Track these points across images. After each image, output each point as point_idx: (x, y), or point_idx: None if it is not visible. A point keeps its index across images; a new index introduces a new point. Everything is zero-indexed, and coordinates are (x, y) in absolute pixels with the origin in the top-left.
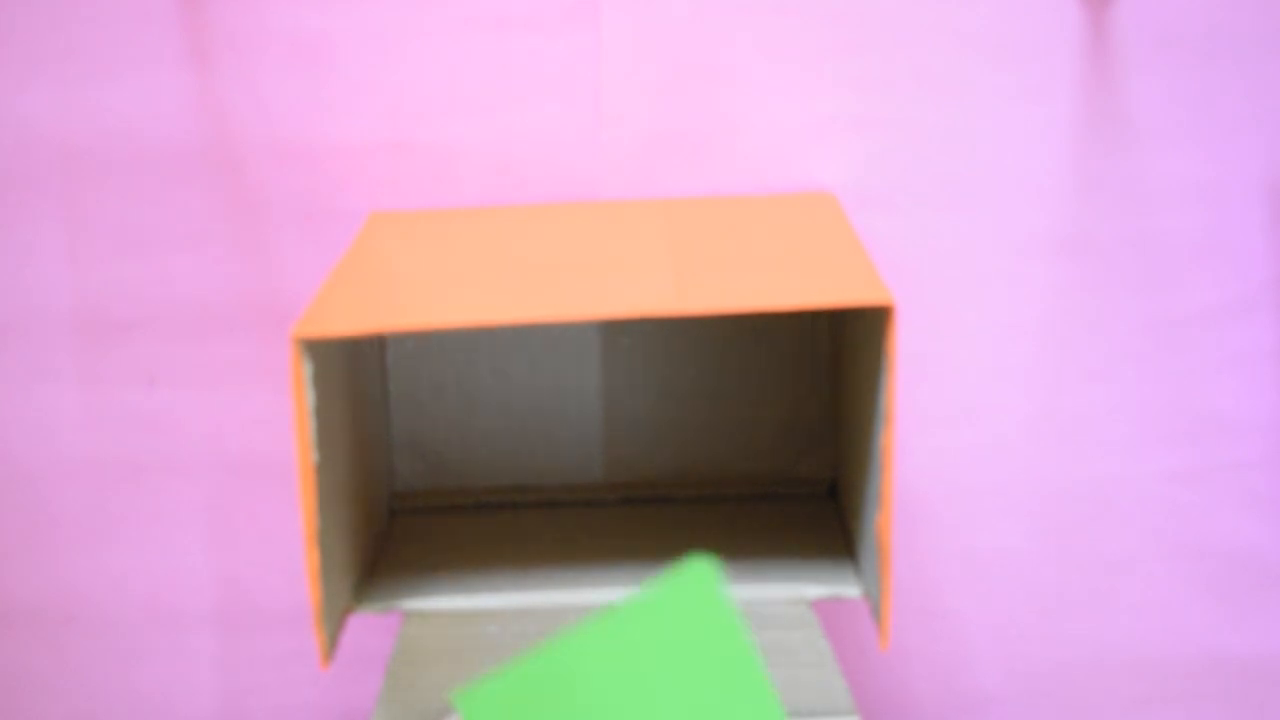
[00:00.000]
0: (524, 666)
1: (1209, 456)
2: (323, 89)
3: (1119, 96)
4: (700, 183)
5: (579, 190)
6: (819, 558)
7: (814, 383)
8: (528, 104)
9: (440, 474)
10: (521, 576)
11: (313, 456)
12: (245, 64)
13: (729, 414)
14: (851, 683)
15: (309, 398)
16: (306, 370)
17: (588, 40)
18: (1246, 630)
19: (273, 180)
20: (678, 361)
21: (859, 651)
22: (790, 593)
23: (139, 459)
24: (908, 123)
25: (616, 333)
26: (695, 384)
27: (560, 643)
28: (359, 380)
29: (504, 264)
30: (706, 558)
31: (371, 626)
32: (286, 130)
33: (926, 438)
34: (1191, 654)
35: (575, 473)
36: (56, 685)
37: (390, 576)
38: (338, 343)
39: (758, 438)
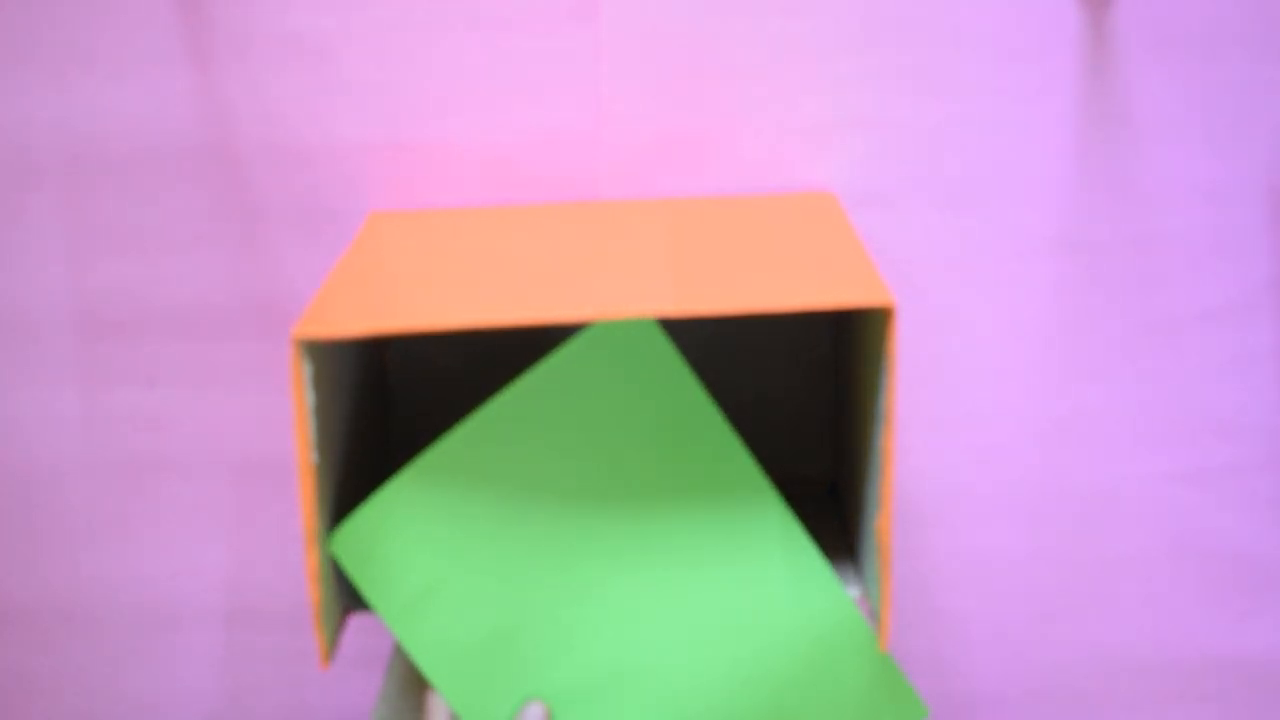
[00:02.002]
0: (415, 473)
1: (1209, 457)
2: (323, 89)
3: (1119, 96)
4: (700, 183)
5: (579, 190)
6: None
7: (814, 383)
8: (528, 104)
9: None
10: None
11: (313, 456)
12: (245, 64)
13: (729, 414)
14: None
15: (309, 398)
16: (306, 370)
17: (588, 40)
18: (1246, 631)
19: (273, 180)
20: None
21: None
22: None
23: (139, 459)
24: (908, 123)
25: None
26: None
27: (482, 419)
28: (359, 380)
29: (504, 264)
30: (645, 321)
31: (371, 626)
32: (286, 130)
33: (927, 438)
34: (1191, 654)
35: None
36: (56, 685)
37: None
38: (338, 343)
39: (758, 438)
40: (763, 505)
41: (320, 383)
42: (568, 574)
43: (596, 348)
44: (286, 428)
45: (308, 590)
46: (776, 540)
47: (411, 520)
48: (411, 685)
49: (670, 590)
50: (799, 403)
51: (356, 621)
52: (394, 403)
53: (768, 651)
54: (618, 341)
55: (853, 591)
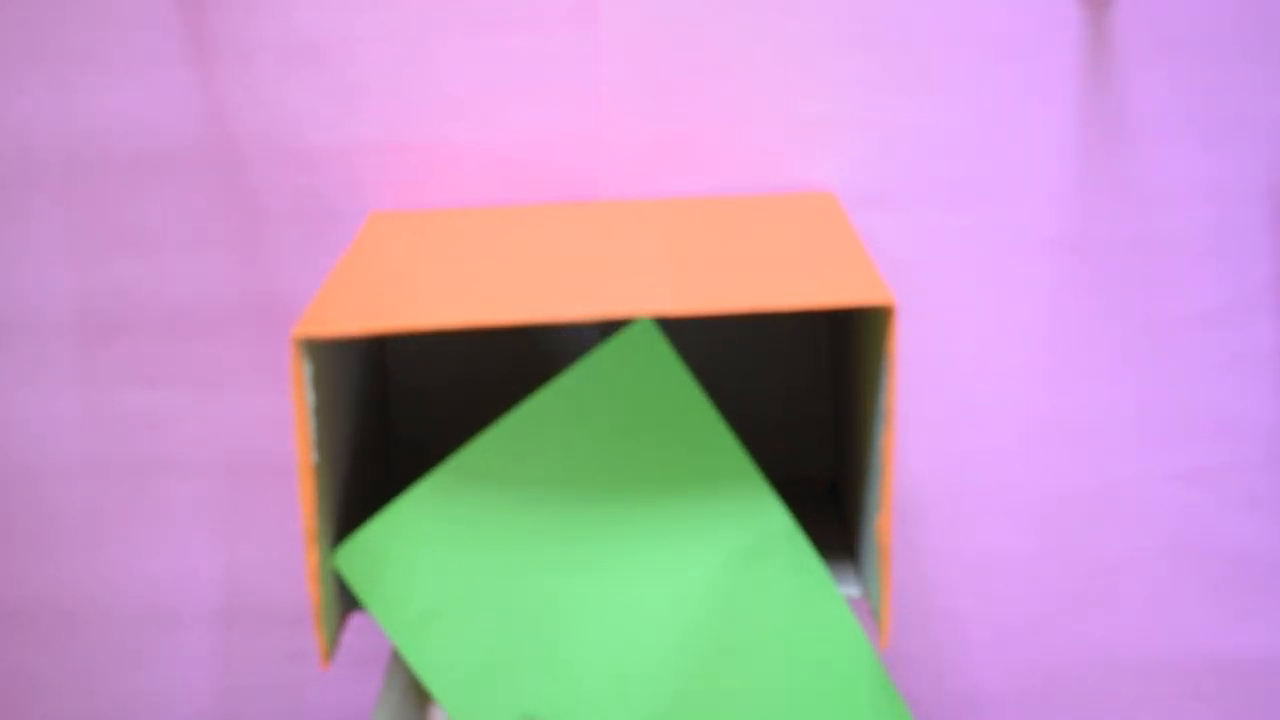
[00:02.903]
0: (420, 493)
1: (1209, 456)
2: (323, 90)
3: (1119, 96)
4: (700, 183)
5: (579, 190)
6: (819, 557)
7: (814, 383)
8: (528, 104)
9: None
10: None
11: (312, 456)
12: (245, 64)
13: (729, 414)
14: None
15: (309, 398)
16: (306, 370)
17: (588, 40)
18: (1246, 630)
19: (273, 180)
20: None
21: None
22: None
23: (139, 459)
24: (908, 123)
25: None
26: None
27: (495, 434)
28: (359, 380)
29: (504, 264)
30: (645, 322)
31: (371, 626)
32: (286, 130)
33: (927, 438)
34: (1191, 654)
35: None
36: (56, 685)
37: None
38: (338, 343)
39: (758, 438)
40: (772, 523)
41: (320, 383)
42: (573, 594)
43: (604, 367)
44: (286, 428)
45: (308, 590)
46: (784, 557)
47: (418, 538)
48: (411, 690)
49: (676, 612)
50: (799, 403)
51: (356, 621)
52: (394, 403)
53: (770, 669)
54: (625, 359)
55: (853, 591)
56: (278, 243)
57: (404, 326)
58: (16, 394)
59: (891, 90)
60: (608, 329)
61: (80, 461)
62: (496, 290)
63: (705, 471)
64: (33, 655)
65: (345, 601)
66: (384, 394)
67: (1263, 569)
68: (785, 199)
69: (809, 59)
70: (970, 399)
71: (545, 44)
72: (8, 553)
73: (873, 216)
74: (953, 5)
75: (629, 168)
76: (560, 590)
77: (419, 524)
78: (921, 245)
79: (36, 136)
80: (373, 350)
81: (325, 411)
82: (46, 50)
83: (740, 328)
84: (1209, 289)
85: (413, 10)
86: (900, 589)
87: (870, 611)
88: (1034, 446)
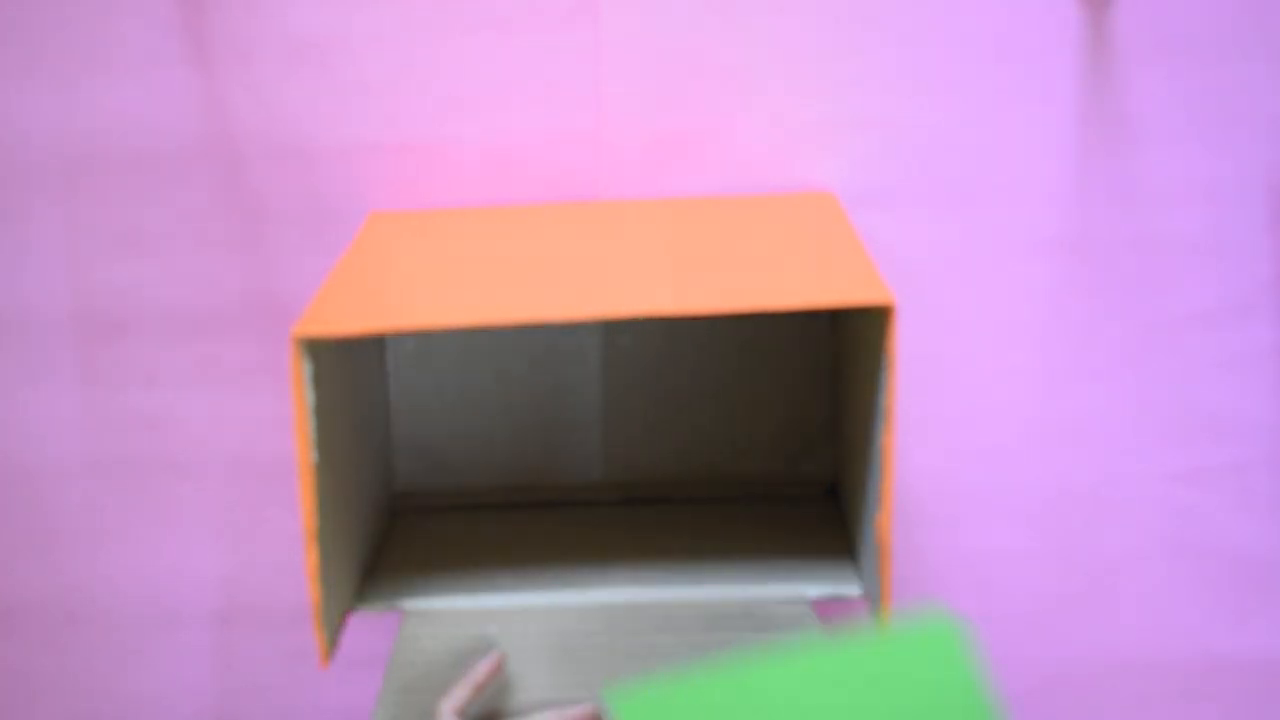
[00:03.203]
0: (704, 677)
1: (1209, 456)
2: (323, 89)
3: (1119, 96)
4: (700, 183)
5: (579, 190)
6: (819, 557)
7: (814, 383)
8: (528, 104)
9: (440, 474)
10: (521, 576)
11: (312, 456)
12: (245, 64)
13: (729, 414)
14: None
15: (309, 398)
16: (306, 370)
17: (588, 40)
18: (1246, 631)
19: (273, 180)
20: (678, 361)
21: None
22: (790, 592)
23: (139, 459)
24: (908, 123)
25: (616, 333)
26: (695, 384)
27: (758, 664)
28: (359, 380)
29: (504, 264)
30: (946, 612)
31: (371, 626)
32: (286, 130)
33: (926, 437)
34: (1191, 654)
35: (575, 473)
36: (56, 685)
37: (390, 576)
38: (338, 343)
39: (758, 438)
40: None
41: (320, 382)
42: None
43: (898, 647)
44: (286, 428)
45: (308, 590)
46: None
47: (691, 715)
48: (411, 689)
49: None
50: (799, 403)
51: (356, 621)
52: (394, 403)
53: None
54: (919, 645)
55: (853, 591)
56: (278, 243)
57: (404, 326)
58: (17, 394)
59: (891, 90)
60: (608, 329)
61: (80, 461)
62: (496, 290)
63: None
64: (33, 655)
65: (345, 601)
66: (384, 394)
67: (1263, 569)
68: (785, 199)
69: (809, 59)
70: (970, 399)
71: (545, 44)
72: (8, 553)
73: (873, 216)
74: (953, 5)
75: (629, 168)
76: None
77: (696, 703)
78: (921, 245)
79: (36, 136)
80: (373, 350)
81: (325, 411)
82: (46, 50)
83: (740, 328)
84: (1209, 289)
85: (413, 10)
86: (900, 589)
87: (870, 611)
88: (1034, 446)
